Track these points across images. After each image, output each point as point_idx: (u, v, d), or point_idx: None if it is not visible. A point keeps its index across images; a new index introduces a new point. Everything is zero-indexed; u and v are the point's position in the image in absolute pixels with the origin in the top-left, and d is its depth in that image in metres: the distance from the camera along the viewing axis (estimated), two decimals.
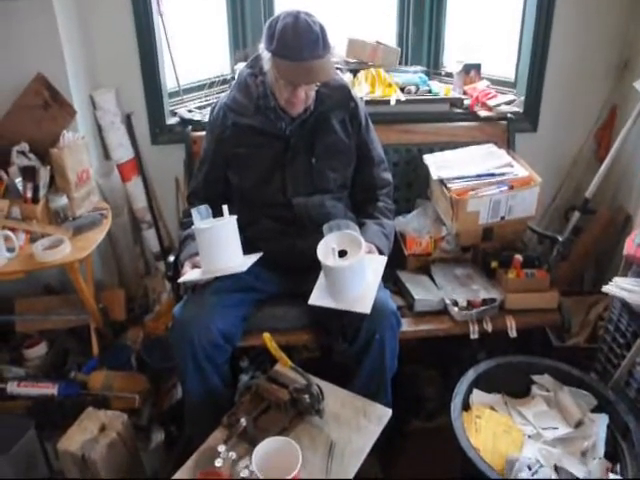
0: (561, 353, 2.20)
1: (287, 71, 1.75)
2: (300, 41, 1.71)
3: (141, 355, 2.33)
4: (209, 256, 1.73)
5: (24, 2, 2.04)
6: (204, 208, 1.75)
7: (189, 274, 1.79)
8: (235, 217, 1.74)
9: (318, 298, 1.71)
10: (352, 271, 1.66)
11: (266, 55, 1.80)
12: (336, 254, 1.67)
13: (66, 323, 2.34)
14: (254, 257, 1.79)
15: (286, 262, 1.93)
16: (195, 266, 1.82)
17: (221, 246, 1.72)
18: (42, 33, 2.09)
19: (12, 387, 2.12)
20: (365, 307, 1.64)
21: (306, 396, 1.55)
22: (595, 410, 1.80)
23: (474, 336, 2.01)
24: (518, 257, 2.14)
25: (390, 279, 2.15)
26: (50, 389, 2.10)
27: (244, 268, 1.71)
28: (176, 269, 1.97)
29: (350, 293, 1.67)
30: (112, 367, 2.23)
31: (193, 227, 1.74)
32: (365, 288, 1.69)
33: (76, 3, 2.24)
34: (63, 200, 2.09)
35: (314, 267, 1.72)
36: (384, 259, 1.80)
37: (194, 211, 1.74)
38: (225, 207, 1.75)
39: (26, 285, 2.28)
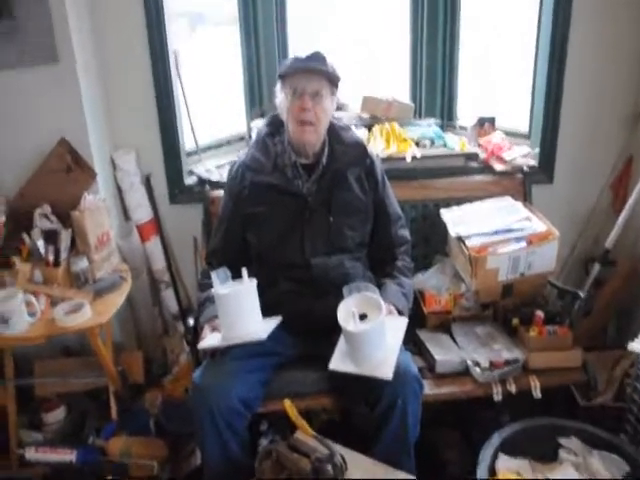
0: (588, 413, 2.14)
1: (294, 77, 1.87)
2: (306, 58, 1.88)
3: (159, 419, 2.31)
4: (229, 322, 1.73)
5: (51, 71, 2.10)
6: (222, 271, 1.75)
7: (208, 339, 1.79)
8: (255, 281, 1.74)
9: (339, 363, 1.69)
10: (373, 335, 1.64)
11: (278, 86, 1.93)
12: (357, 318, 1.66)
13: (85, 386, 2.34)
14: (273, 322, 1.78)
15: (305, 324, 1.92)
16: (214, 329, 1.81)
17: (241, 312, 1.71)
18: (66, 99, 2.15)
19: (30, 453, 2.09)
20: (387, 373, 1.62)
21: (329, 466, 1.51)
22: (628, 477, 1.74)
23: (497, 398, 1.96)
24: (539, 314, 2.11)
25: (410, 338, 2.13)
26: (68, 455, 2.07)
27: (264, 336, 1.70)
28: (196, 333, 1.97)
29: (371, 358, 1.65)
30: (130, 432, 2.20)
31: (212, 291, 1.74)
32: (386, 352, 1.67)
33: (98, 69, 2.30)
34: (84, 263, 2.11)
35: (333, 329, 1.71)
36: (405, 320, 1.79)
37: (213, 274, 1.74)
38: (244, 270, 1.74)
39: (45, 347, 2.27)
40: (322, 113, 1.89)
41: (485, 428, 1.87)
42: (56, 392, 2.33)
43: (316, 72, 1.86)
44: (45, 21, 2.05)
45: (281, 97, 1.93)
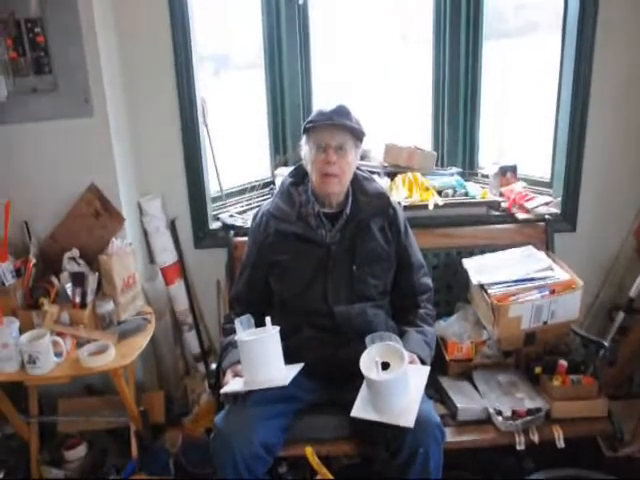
0: (614, 464, 2.11)
1: (319, 132, 1.91)
2: (331, 111, 1.91)
3: (179, 459, 2.32)
4: (251, 368, 1.75)
5: (85, 123, 2.19)
6: (246, 319, 1.78)
7: (231, 384, 1.80)
8: (278, 328, 1.76)
9: (361, 411, 1.70)
10: (395, 384, 1.65)
11: (303, 140, 1.98)
12: (379, 367, 1.67)
13: (106, 425, 2.37)
14: (295, 369, 1.79)
15: (327, 371, 1.93)
16: (237, 375, 1.83)
17: (263, 359, 1.73)
18: (97, 149, 2.22)
19: None
20: (409, 421, 1.62)
21: None
22: None
23: (520, 447, 1.94)
24: (563, 363, 2.10)
25: (432, 385, 2.12)
26: None
27: (286, 382, 1.71)
28: (218, 377, 1.98)
29: (393, 406, 1.66)
30: (150, 471, 2.22)
31: (236, 337, 1.76)
32: (408, 401, 1.67)
33: (128, 119, 2.38)
34: (110, 305, 2.15)
35: (355, 376, 1.71)
36: (427, 369, 1.80)
37: (237, 322, 1.77)
38: (268, 319, 1.77)
39: (69, 385, 2.30)
40: (346, 166, 1.93)
41: (508, 476, 1.84)
42: (78, 430, 2.36)
43: (340, 127, 1.89)
44: (81, 78, 2.14)
45: (306, 149, 1.98)
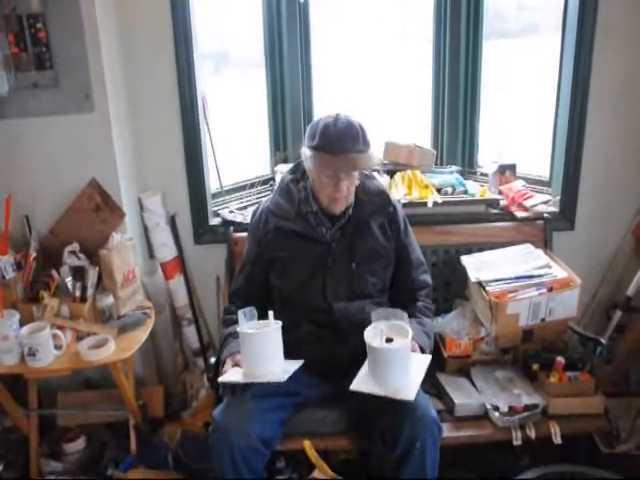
0: (610, 461, 2.11)
1: (330, 163, 1.84)
2: (341, 135, 1.83)
3: (178, 453, 2.32)
4: (251, 361, 1.75)
5: (85, 118, 2.19)
6: (249, 311, 1.78)
7: (229, 374, 1.81)
8: (280, 323, 1.77)
9: (361, 385, 1.70)
10: (398, 356, 1.66)
11: (308, 153, 1.90)
12: (383, 336, 1.68)
13: (105, 418, 2.39)
14: (295, 365, 1.80)
15: (326, 366, 1.94)
16: (236, 364, 1.83)
17: (264, 353, 1.74)
18: (98, 144, 2.23)
19: None
20: (408, 396, 1.63)
21: None
22: None
23: (517, 442, 1.95)
24: (560, 360, 2.10)
25: (429, 381, 2.13)
26: None
27: (283, 378, 1.72)
28: (217, 371, 1.99)
29: (394, 380, 1.67)
30: (149, 465, 2.23)
31: (238, 329, 1.76)
32: (409, 381, 1.68)
33: (129, 115, 2.39)
34: (109, 299, 2.16)
35: (354, 371, 1.73)
36: (428, 357, 1.80)
37: (240, 313, 1.77)
38: (271, 313, 1.77)
39: (68, 379, 2.32)
40: (353, 186, 1.93)
41: (504, 472, 1.85)
42: (78, 423, 2.37)
43: (356, 161, 1.85)
44: (82, 74, 2.15)
45: (310, 165, 1.91)
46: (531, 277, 2.14)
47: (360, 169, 1.89)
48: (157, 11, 2.32)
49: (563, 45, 2.50)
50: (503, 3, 2.82)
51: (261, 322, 1.79)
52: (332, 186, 1.88)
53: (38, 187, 2.26)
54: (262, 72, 2.79)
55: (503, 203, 2.59)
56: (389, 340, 1.70)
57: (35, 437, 2.30)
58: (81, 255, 2.23)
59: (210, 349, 2.73)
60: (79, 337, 2.07)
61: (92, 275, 2.16)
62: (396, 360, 1.67)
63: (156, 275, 2.56)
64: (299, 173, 2.06)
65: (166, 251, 2.55)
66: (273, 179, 2.78)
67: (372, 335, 1.71)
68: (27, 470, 2.28)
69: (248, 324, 1.77)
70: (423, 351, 1.87)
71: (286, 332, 1.82)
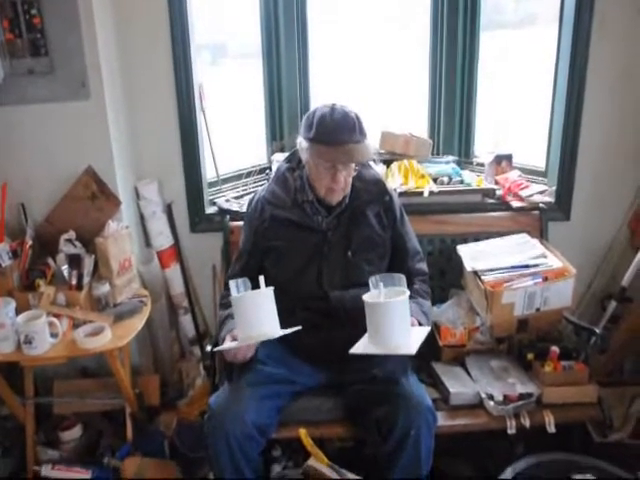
0: (603, 449, 2.12)
1: (327, 154, 1.84)
2: (338, 126, 1.82)
3: (174, 442, 2.33)
4: (245, 323, 1.73)
5: (81, 105, 2.19)
6: (242, 281, 1.75)
7: (226, 343, 1.81)
8: (272, 288, 1.75)
9: (359, 347, 1.71)
10: (397, 310, 1.66)
11: (305, 144, 1.90)
12: (382, 292, 1.69)
13: (102, 406, 2.39)
14: (290, 330, 1.78)
15: (322, 354, 1.94)
16: (234, 339, 1.82)
17: (256, 313, 1.71)
18: (94, 132, 2.23)
19: (47, 470, 2.16)
20: (410, 349, 1.63)
21: None
22: None
23: (511, 431, 1.96)
24: (555, 349, 2.11)
25: (425, 370, 2.15)
26: (84, 474, 2.12)
27: (276, 334, 1.71)
28: (213, 359, 2.00)
29: (394, 337, 1.67)
30: (145, 453, 2.24)
31: (231, 298, 1.74)
32: (410, 335, 1.69)
33: (125, 102, 2.39)
34: (105, 287, 2.16)
35: (350, 359, 1.73)
36: (427, 329, 1.80)
37: (232, 283, 1.74)
38: (261, 277, 1.74)
39: (64, 367, 2.32)
40: (350, 176, 1.93)
41: (499, 460, 1.87)
42: (74, 411, 2.37)
43: (353, 152, 1.84)
44: (78, 61, 2.14)
45: (307, 156, 1.91)
46: (526, 267, 2.15)
47: (357, 160, 1.89)
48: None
49: (560, 36, 2.50)
50: None
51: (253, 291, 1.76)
52: (329, 177, 1.88)
53: (34, 175, 2.26)
54: (259, 62, 2.78)
55: (499, 193, 2.59)
56: None
57: (31, 425, 2.30)
58: (77, 243, 2.23)
59: (206, 338, 2.74)
60: (75, 325, 2.07)
61: (88, 263, 2.17)
62: (395, 315, 1.66)
63: (152, 263, 2.56)
64: (295, 162, 2.05)
65: (162, 239, 2.55)
66: (269, 168, 2.78)
67: (372, 296, 1.71)
68: (23, 458, 2.28)
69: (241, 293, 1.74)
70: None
71: (282, 320, 1.81)
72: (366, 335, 1.74)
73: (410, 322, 1.74)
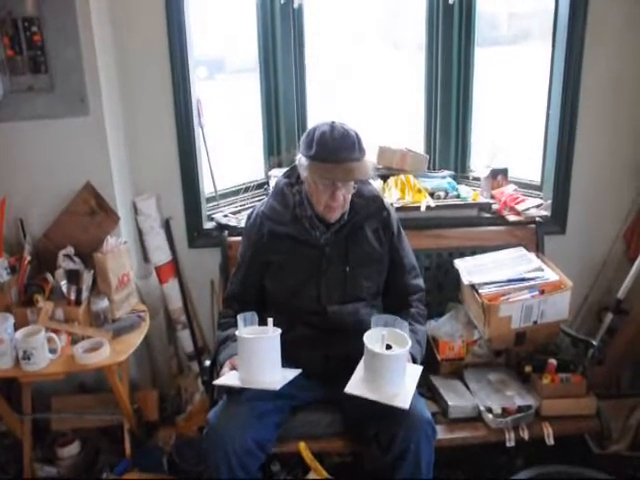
0: (602, 461, 2.14)
1: (327, 172, 1.85)
2: (338, 145, 1.83)
3: (172, 457, 2.33)
4: (247, 366, 1.75)
5: (80, 121, 2.20)
6: (250, 315, 1.78)
7: (225, 377, 1.81)
8: (279, 331, 1.77)
9: (355, 388, 1.71)
10: (395, 363, 1.67)
11: (304, 162, 1.91)
12: (384, 342, 1.69)
13: (100, 422, 2.38)
14: (291, 374, 1.80)
15: (320, 369, 1.95)
16: (234, 368, 1.83)
17: (261, 359, 1.74)
18: (93, 147, 2.24)
19: None
20: (404, 402, 1.64)
21: None
22: None
23: (510, 444, 1.96)
24: (552, 362, 2.13)
25: (423, 384, 2.14)
26: None
27: (277, 387, 1.72)
28: (212, 374, 1.99)
29: (389, 387, 1.68)
30: (144, 469, 2.23)
31: (237, 333, 1.76)
32: (404, 390, 1.69)
33: (124, 118, 2.40)
34: (104, 303, 2.16)
35: (348, 374, 1.74)
36: (420, 368, 1.82)
37: (240, 317, 1.77)
38: (270, 320, 1.77)
39: (62, 383, 2.31)
40: (349, 194, 1.94)
41: (498, 473, 1.87)
42: (72, 427, 2.36)
43: (353, 170, 1.85)
44: (77, 78, 2.16)
45: (306, 174, 1.91)
46: (523, 280, 2.17)
47: (357, 178, 1.90)
48: (152, 16, 2.33)
49: (554, 51, 2.53)
50: (495, 11, 2.85)
51: (260, 328, 1.79)
52: (328, 195, 1.89)
53: (33, 190, 2.26)
54: (256, 77, 2.80)
55: (495, 207, 2.61)
56: (388, 347, 1.71)
57: (29, 441, 2.29)
58: (76, 258, 2.23)
59: (204, 353, 2.73)
60: (74, 341, 2.07)
61: (87, 278, 2.17)
62: (395, 367, 1.68)
63: (150, 279, 2.57)
64: (294, 177, 2.06)
65: (160, 254, 2.56)
66: (267, 183, 2.79)
67: (373, 339, 1.71)
68: (21, 475, 2.27)
69: (247, 329, 1.77)
70: (415, 361, 1.88)
71: (281, 335, 1.81)
72: (362, 374, 1.74)
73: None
